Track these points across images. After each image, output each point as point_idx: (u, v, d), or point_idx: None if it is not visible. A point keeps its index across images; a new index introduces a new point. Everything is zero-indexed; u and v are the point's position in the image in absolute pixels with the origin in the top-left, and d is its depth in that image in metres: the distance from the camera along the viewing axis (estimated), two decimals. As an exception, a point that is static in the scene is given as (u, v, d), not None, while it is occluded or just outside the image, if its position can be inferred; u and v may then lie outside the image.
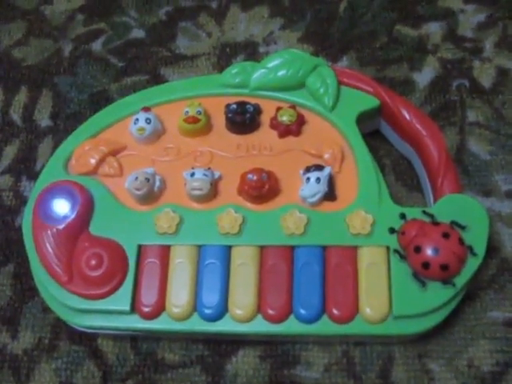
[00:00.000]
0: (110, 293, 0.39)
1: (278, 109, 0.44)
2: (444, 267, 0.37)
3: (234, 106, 0.43)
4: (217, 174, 0.42)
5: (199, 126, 0.43)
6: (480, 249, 0.38)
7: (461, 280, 0.37)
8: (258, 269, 0.39)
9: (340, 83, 0.44)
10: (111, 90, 0.53)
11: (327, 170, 0.41)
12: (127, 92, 0.52)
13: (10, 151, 0.51)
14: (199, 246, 0.40)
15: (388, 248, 0.39)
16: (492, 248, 0.43)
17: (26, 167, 0.50)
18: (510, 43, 0.52)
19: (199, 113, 0.43)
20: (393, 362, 0.40)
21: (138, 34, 0.56)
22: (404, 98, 0.46)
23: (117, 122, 0.45)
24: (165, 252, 0.40)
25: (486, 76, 0.51)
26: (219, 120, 0.44)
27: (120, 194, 0.42)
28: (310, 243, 0.39)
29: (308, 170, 0.41)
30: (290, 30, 0.55)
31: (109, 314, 0.39)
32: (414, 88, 0.51)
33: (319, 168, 0.41)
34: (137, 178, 0.40)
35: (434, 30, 0.54)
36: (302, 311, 0.37)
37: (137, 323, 0.39)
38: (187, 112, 0.43)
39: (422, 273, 0.37)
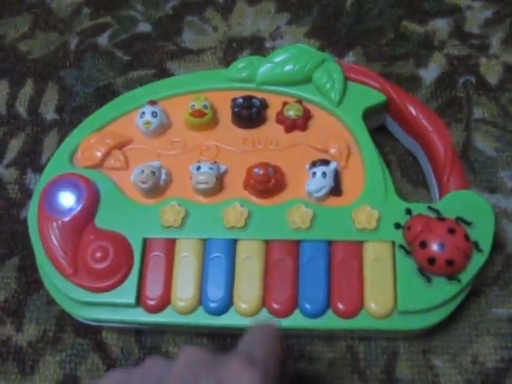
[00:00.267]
0: (115, 286, 0.39)
1: (285, 103, 0.44)
2: (449, 263, 0.36)
3: (241, 100, 0.43)
4: (223, 168, 0.42)
5: (205, 119, 0.43)
6: (486, 245, 0.38)
7: (466, 276, 0.37)
8: (264, 263, 0.39)
9: (346, 78, 0.44)
10: (117, 83, 0.53)
11: (333, 165, 0.41)
12: (133, 86, 0.52)
13: (16, 144, 0.51)
14: (204, 240, 0.40)
15: (393, 243, 0.39)
16: (497, 244, 0.42)
17: (31, 160, 0.50)
18: (516, 40, 0.52)
19: (205, 107, 0.43)
20: (397, 358, 0.40)
21: (144, 27, 0.56)
22: (410, 94, 0.46)
23: (123, 115, 0.45)
24: (170, 245, 0.40)
25: (492, 73, 0.51)
26: (225, 114, 0.44)
27: (126, 188, 0.42)
28: (316, 238, 0.39)
29: (314, 164, 0.41)
30: (297, 25, 0.55)
31: (114, 306, 0.39)
32: (420, 84, 0.51)
33: (325, 163, 0.41)
34: (143, 171, 0.40)
35: (440, 26, 0.54)
36: (307, 306, 0.37)
37: (142, 316, 0.39)
38: (193, 106, 0.43)
39: (428, 268, 0.37)
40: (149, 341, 0.42)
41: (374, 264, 0.38)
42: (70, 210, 0.40)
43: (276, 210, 0.40)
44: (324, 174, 0.40)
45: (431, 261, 0.37)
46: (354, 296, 0.38)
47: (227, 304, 0.38)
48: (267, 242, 0.39)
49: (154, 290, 0.39)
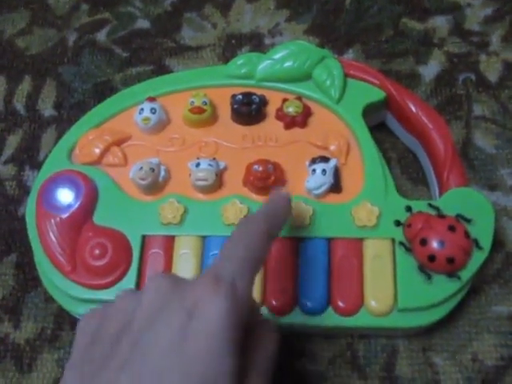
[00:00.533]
0: (114, 283, 0.39)
1: (284, 100, 0.43)
2: (450, 260, 0.36)
3: (240, 96, 0.43)
4: (222, 165, 0.41)
5: (205, 116, 0.43)
6: (486, 242, 0.38)
7: (466, 273, 0.37)
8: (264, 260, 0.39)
9: (346, 75, 0.44)
10: (115, 80, 0.53)
11: (333, 162, 0.40)
12: (131, 82, 0.51)
13: (14, 141, 0.50)
14: (204, 237, 0.40)
15: (393, 240, 0.38)
16: (497, 242, 0.42)
17: (29, 157, 0.49)
18: (516, 37, 0.52)
19: (205, 103, 0.43)
20: (397, 356, 0.40)
21: (142, 24, 0.56)
22: (410, 91, 0.46)
23: (121, 111, 0.45)
24: (169, 243, 0.40)
25: (492, 70, 0.51)
26: (225, 111, 0.44)
27: (124, 184, 0.42)
28: (316, 235, 0.39)
29: (314, 161, 0.41)
30: (296, 22, 0.55)
31: (112, 304, 0.39)
32: (420, 81, 0.50)
33: (325, 160, 0.41)
34: (141, 167, 0.40)
35: (440, 23, 0.54)
36: (307, 303, 0.37)
37: (140, 313, 0.38)
38: (193, 102, 0.43)
39: (428, 265, 0.37)
40: (147, 338, 0.42)
41: (373, 261, 0.38)
42: (69, 206, 0.40)
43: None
44: (324, 170, 0.40)
45: (431, 258, 0.37)
46: (353, 293, 0.37)
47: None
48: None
49: (152, 288, 0.38)
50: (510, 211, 0.44)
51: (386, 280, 0.37)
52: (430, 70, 0.51)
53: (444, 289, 0.37)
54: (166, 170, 0.41)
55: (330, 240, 0.39)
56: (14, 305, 0.43)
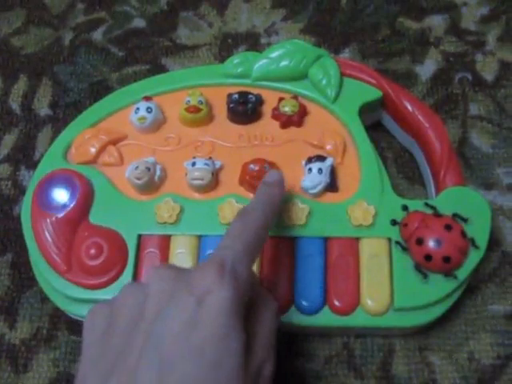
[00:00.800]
0: (110, 282, 0.38)
1: (280, 99, 0.43)
2: (446, 259, 0.36)
3: (236, 95, 0.43)
4: (218, 164, 0.41)
5: (200, 115, 0.43)
6: (482, 242, 0.38)
7: (463, 272, 0.37)
8: (260, 259, 0.39)
9: (343, 74, 0.44)
10: (111, 79, 0.53)
11: (329, 161, 0.40)
12: (127, 82, 0.51)
13: (9, 140, 0.50)
14: (200, 237, 0.40)
15: (390, 240, 0.38)
16: (494, 241, 0.42)
17: (24, 156, 0.49)
18: (513, 37, 0.52)
19: (201, 102, 0.43)
20: (393, 355, 0.40)
21: (138, 23, 0.56)
22: (406, 90, 0.46)
23: (117, 111, 0.45)
24: (165, 242, 0.40)
25: (488, 69, 0.51)
26: (221, 110, 0.44)
27: (120, 184, 0.42)
28: (312, 234, 0.39)
29: (310, 160, 0.41)
30: (292, 21, 0.55)
31: (108, 303, 0.38)
32: (417, 81, 0.50)
33: (321, 159, 0.40)
34: (137, 167, 0.40)
35: (436, 22, 0.54)
36: (304, 302, 0.37)
37: (136, 313, 0.38)
38: (189, 101, 0.43)
39: (424, 265, 0.37)
40: (143, 338, 0.41)
41: (370, 260, 0.38)
42: (64, 206, 0.40)
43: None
44: (320, 170, 0.40)
45: (428, 257, 0.37)
46: (350, 293, 0.37)
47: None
48: (263, 238, 0.39)
49: (148, 287, 0.38)
50: (506, 210, 0.44)
51: (382, 279, 0.37)
52: (426, 69, 0.51)
53: (440, 288, 0.37)
54: (162, 170, 0.41)
55: (326, 239, 0.39)
56: (10, 305, 0.43)
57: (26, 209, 0.41)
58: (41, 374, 0.41)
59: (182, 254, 0.39)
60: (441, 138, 0.42)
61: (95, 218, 0.40)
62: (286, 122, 0.43)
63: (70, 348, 0.41)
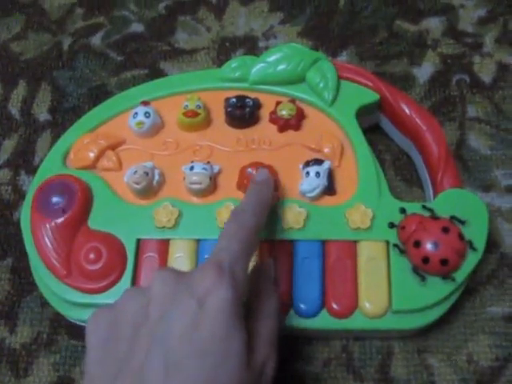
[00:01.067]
0: (109, 287, 0.39)
1: (278, 103, 0.44)
2: (444, 262, 0.36)
3: (234, 100, 0.43)
4: (216, 168, 0.41)
5: (198, 120, 0.43)
6: (480, 244, 0.38)
7: (460, 275, 0.37)
8: (258, 263, 0.39)
9: (340, 77, 0.44)
10: (110, 84, 0.53)
11: (327, 164, 0.40)
12: (126, 86, 0.51)
13: (9, 145, 0.51)
14: (198, 241, 0.40)
15: (388, 242, 0.39)
16: (492, 243, 0.43)
17: (24, 161, 0.50)
18: (510, 38, 0.52)
19: (199, 107, 0.43)
20: (392, 357, 0.40)
21: (137, 28, 0.56)
22: (404, 92, 0.46)
23: (116, 115, 0.45)
24: (164, 246, 0.40)
25: (486, 71, 0.51)
26: (219, 114, 0.44)
27: (119, 188, 0.42)
28: (310, 238, 0.39)
29: (307, 164, 0.41)
30: (290, 24, 0.55)
31: (107, 308, 0.39)
32: (414, 83, 0.51)
33: (319, 162, 0.41)
34: (136, 171, 0.40)
35: (434, 24, 0.54)
36: (302, 305, 0.37)
37: (135, 317, 0.38)
38: (186, 106, 0.43)
39: (422, 267, 0.37)
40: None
41: (368, 263, 0.38)
42: (63, 211, 0.40)
43: (270, 210, 0.40)
44: (317, 173, 0.40)
45: (425, 260, 0.37)
46: (348, 296, 0.37)
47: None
48: (261, 241, 0.39)
49: (147, 291, 0.38)
50: (504, 212, 0.44)
51: (380, 282, 0.38)
52: (424, 71, 0.51)
53: (438, 290, 0.37)
54: (161, 174, 0.41)
55: (324, 242, 0.39)
56: (10, 309, 0.43)
57: (25, 214, 0.41)
58: (41, 379, 0.41)
59: (180, 258, 0.39)
60: (438, 140, 0.42)
61: (94, 222, 0.40)
62: (284, 125, 0.43)
63: (70, 352, 0.42)
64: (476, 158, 0.47)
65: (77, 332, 0.42)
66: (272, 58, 0.45)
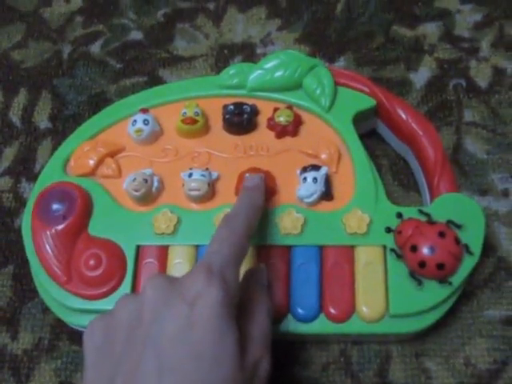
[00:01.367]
0: (109, 293, 0.39)
1: (275, 109, 0.44)
2: (440, 266, 0.37)
3: (232, 106, 0.44)
4: (214, 175, 0.42)
5: (197, 127, 0.43)
6: (476, 248, 0.38)
7: (457, 279, 0.37)
8: (250, 268, 0.39)
9: (336, 83, 0.45)
10: (110, 91, 0.53)
11: (324, 170, 0.41)
12: (126, 93, 0.52)
13: (10, 153, 0.51)
14: (197, 247, 0.40)
15: (385, 247, 0.39)
16: (489, 247, 0.43)
17: (25, 169, 0.50)
18: (506, 43, 0.53)
19: (197, 114, 0.43)
20: (390, 361, 0.40)
21: (136, 35, 0.57)
22: (400, 97, 0.47)
23: (115, 123, 0.45)
24: (163, 252, 0.40)
25: (482, 76, 0.51)
26: (217, 121, 0.44)
27: (118, 195, 0.42)
28: (307, 243, 0.39)
29: (305, 169, 0.41)
30: (287, 30, 0.55)
31: (108, 314, 0.39)
32: (411, 88, 0.51)
33: (316, 168, 0.41)
34: (135, 178, 0.41)
35: (430, 30, 0.54)
36: (300, 310, 0.38)
37: (135, 323, 0.39)
38: (185, 113, 0.43)
39: (419, 272, 0.37)
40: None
41: (365, 268, 0.38)
42: (64, 218, 0.40)
43: (267, 216, 0.40)
44: (315, 179, 0.40)
45: (422, 264, 0.37)
46: (345, 300, 0.38)
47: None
48: (259, 247, 0.40)
49: (147, 297, 0.39)
50: (501, 216, 0.45)
51: (377, 286, 0.38)
52: (420, 76, 0.52)
53: (435, 294, 0.37)
54: (159, 181, 0.42)
55: (321, 247, 0.39)
56: (12, 316, 0.44)
57: (26, 221, 0.41)
58: (43, 384, 0.41)
59: (179, 264, 0.40)
60: (434, 145, 0.43)
61: (94, 229, 0.41)
62: (281, 131, 0.43)
63: (72, 358, 0.42)
64: (473, 162, 0.47)
65: (78, 338, 0.42)
66: (269, 65, 0.45)
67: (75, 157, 0.44)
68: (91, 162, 0.43)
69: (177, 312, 0.28)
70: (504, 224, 0.44)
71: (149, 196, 0.41)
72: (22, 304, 0.44)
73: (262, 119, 0.44)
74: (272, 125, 0.44)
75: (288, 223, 0.39)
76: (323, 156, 0.42)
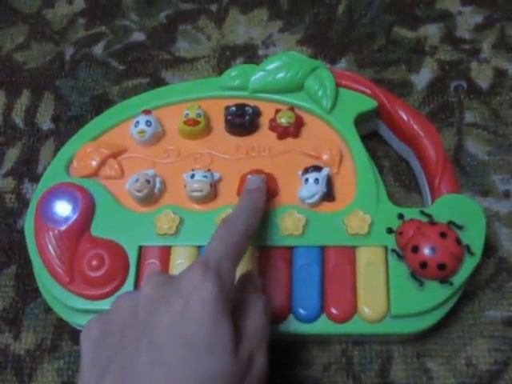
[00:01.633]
0: (111, 293, 0.39)
1: (277, 111, 0.44)
2: (441, 267, 0.37)
3: (234, 108, 0.44)
4: (216, 176, 0.42)
5: (199, 128, 0.43)
6: (477, 248, 0.38)
7: (458, 279, 0.38)
8: (258, 269, 0.39)
9: (338, 85, 0.45)
10: (112, 92, 0.54)
11: (325, 171, 0.41)
12: (128, 95, 0.52)
13: (13, 154, 0.51)
14: (199, 247, 0.40)
15: (386, 248, 0.39)
16: (490, 247, 0.43)
17: (28, 170, 0.50)
18: (507, 44, 0.53)
19: (199, 115, 0.43)
20: (391, 361, 0.40)
21: (138, 37, 0.57)
22: (401, 99, 0.47)
23: (118, 124, 0.46)
24: (165, 253, 0.40)
25: (483, 77, 0.51)
26: (219, 122, 0.45)
27: (121, 196, 0.42)
28: (309, 244, 0.39)
29: (306, 171, 0.41)
30: (289, 32, 0.56)
31: (110, 314, 0.39)
32: (413, 89, 0.51)
33: (318, 169, 0.41)
34: (137, 179, 0.41)
35: (431, 31, 0.54)
36: (301, 311, 0.38)
37: (137, 323, 0.39)
38: (187, 114, 0.44)
39: (420, 272, 0.37)
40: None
41: (366, 269, 0.39)
42: (66, 219, 0.40)
43: (269, 217, 0.40)
44: (316, 180, 0.40)
45: (423, 265, 0.37)
46: (347, 301, 0.38)
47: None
48: (261, 248, 0.40)
49: (149, 298, 0.39)
50: (502, 216, 0.45)
51: (378, 287, 0.38)
52: (422, 77, 0.52)
53: (436, 295, 0.37)
54: (162, 182, 0.42)
55: (323, 248, 0.40)
56: (14, 316, 0.44)
57: (29, 222, 0.42)
58: (45, 384, 0.41)
59: (182, 265, 0.40)
60: (436, 146, 0.43)
61: (97, 230, 0.41)
62: (283, 133, 0.43)
63: (74, 358, 0.42)
64: (474, 163, 0.47)
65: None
66: (271, 67, 0.45)
67: (78, 158, 0.44)
68: (94, 163, 0.43)
69: (172, 305, 0.28)
70: (505, 225, 0.44)
71: (151, 197, 0.41)
72: (25, 304, 0.44)
73: (264, 120, 0.44)
74: (274, 126, 0.44)
75: (290, 224, 0.40)
76: (325, 157, 0.42)
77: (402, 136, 0.45)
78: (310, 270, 0.39)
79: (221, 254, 0.31)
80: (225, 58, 0.55)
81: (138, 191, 0.41)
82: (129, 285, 0.39)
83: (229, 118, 0.44)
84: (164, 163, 0.44)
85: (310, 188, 0.40)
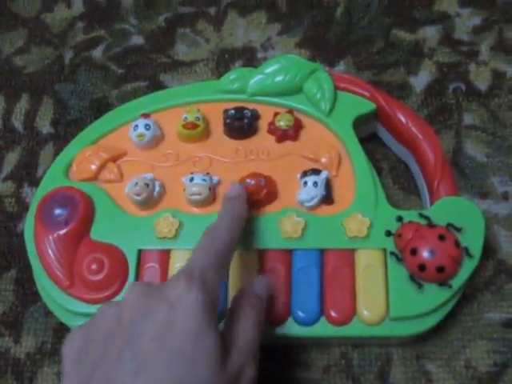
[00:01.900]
0: (111, 297, 0.39)
1: (276, 114, 0.44)
2: (440, 269, 0.37)
3: (232, 111, 0.44)
4: (215, 179, 0.42)
5: (198, 131, 0.43)
6: (476, 250, 0.38)
7: (457, 281, 0.38)
8: (257, 272, 0.39)
9: (337, 88, 0.45)
10: (111, 96, 0.54)
11: (324, 174, 0.41)
12: (127, 98, 0.52)
13: (12, 158, 0.51)
14: (198, 250, 0.40)
15: (385, 250, 0.39)
16: (489, 249, 0.43)
17: (27, 174, 0.50)
18: (505, 46, 0.53)
19: (198, 119, 0.44)
20: (391, 364, 0.40)
21: (137, 40, 0.57)
22: (400, 101, 0.47)
23: (117, 128, 0.46)
24: (165, 256, 0.40)
25: (482, 79, 0.51)
26: (218, 125, 0.45)
27: (120, 200, 0.42)
28: (308, 247, 0.40)
29: (305, 174, 0.41)
30: (288, 35, 0.56)
31: (110, 317, 0.39)
32: (411, 92, 0.51)
33: (316, 172, 0.41)
34: (136, 183, 0.41)
35: (430, 33, 0.54)
36: (300, 314, 0.38)
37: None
38: (186, 118, 0.44)
39: (419, 275, 0.37)
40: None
41: (365, 271, 0.39)
42: (66, 223, 0.40)
43: (268, 220, 0.40)
44: (315, 183, 0.40)
45: (422, 267, 0.37)
46: (346, 303, 0.38)
47: (221, 314, 0.38)
48: (260, 251, 0.40)
49: (149, 301, 0.39)
50: (501, 219, 0.45)
51: (377, 289, 0.38)
52: (420, 80, 0.52)
53: (435, 297, 0.38)
54: (161, 185, 0.42)
55: (322, 251, 0.40)
56: (15, 320, 0.44)
57: (29, 226, 0.42)
58: (45, 388, 0.42)
59: (181, 268, 0.40)
60: (434, 148, 0.43)
61: (96, 234, 0.41)
62: (282, 136, 0.43)
63: (74, 362, 0.42)
64: (472, 165, 0.47)
65: (80, 342, 0.42)
66: (269, 70, 0.45)
67: (77, 162, 0.44)
68: (93, 167, 0.43)
69: (156, 314, 0.28)
70: (504, 227, 0.44)
71: (150, 200, 0.41)
72: (25, 308, 0.44)
73: (263, 124, 0.45)
74: (272, 129, 0.44)
75: (289, 227, 0.40)
76: (323, 160, 0.42)
77: (400, 138, 0.45)
78: (309, 273, 0.39)
79: (205, 264, 0.31)
80: (223, 61, 0.55)
81: (138, 195, 0.41)
82: (128, 288, 0.39)
83: (227, 121, 0.44)
84: (163, 167, 0.44)
85: (309, 191, 0.40)
